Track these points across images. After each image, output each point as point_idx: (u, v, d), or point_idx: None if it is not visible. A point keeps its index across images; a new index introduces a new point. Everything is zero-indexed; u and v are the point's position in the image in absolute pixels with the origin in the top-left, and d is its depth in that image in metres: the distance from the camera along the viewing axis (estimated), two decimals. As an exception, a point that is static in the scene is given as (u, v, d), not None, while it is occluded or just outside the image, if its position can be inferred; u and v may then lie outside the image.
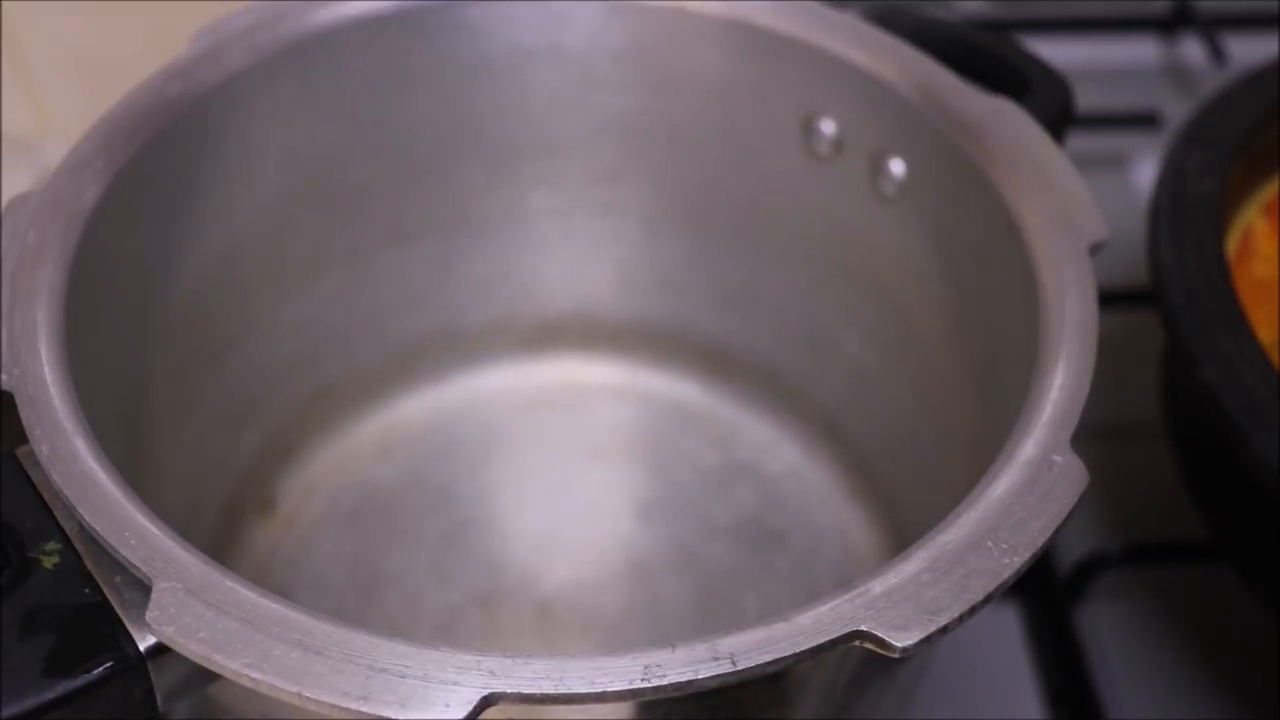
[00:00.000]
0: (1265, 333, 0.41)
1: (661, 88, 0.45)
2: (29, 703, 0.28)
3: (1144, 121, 0.61)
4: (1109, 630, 0.46)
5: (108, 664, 0.29)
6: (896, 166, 0.42)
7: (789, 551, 0.47)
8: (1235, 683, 0.45)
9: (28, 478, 0.32)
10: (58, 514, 0.31)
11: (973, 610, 0.29)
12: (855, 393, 0.47)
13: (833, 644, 0.28)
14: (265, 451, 0.47)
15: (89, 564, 0.31)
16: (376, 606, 0.45)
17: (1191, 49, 0.66)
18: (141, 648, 0.29)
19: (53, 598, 0.30)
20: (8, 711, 0.28)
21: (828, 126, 0.43)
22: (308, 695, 0.27)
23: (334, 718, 0.27)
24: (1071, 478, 0.31)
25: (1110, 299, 0.37)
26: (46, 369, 0.32)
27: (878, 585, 0.29)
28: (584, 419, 0.51)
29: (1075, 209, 0.37)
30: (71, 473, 0.31)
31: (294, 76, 0.42)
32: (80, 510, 0.30)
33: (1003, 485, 0.31)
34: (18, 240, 0.35)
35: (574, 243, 0.49)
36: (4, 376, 0.32)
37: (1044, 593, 0.47)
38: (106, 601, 0.30)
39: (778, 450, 0.50)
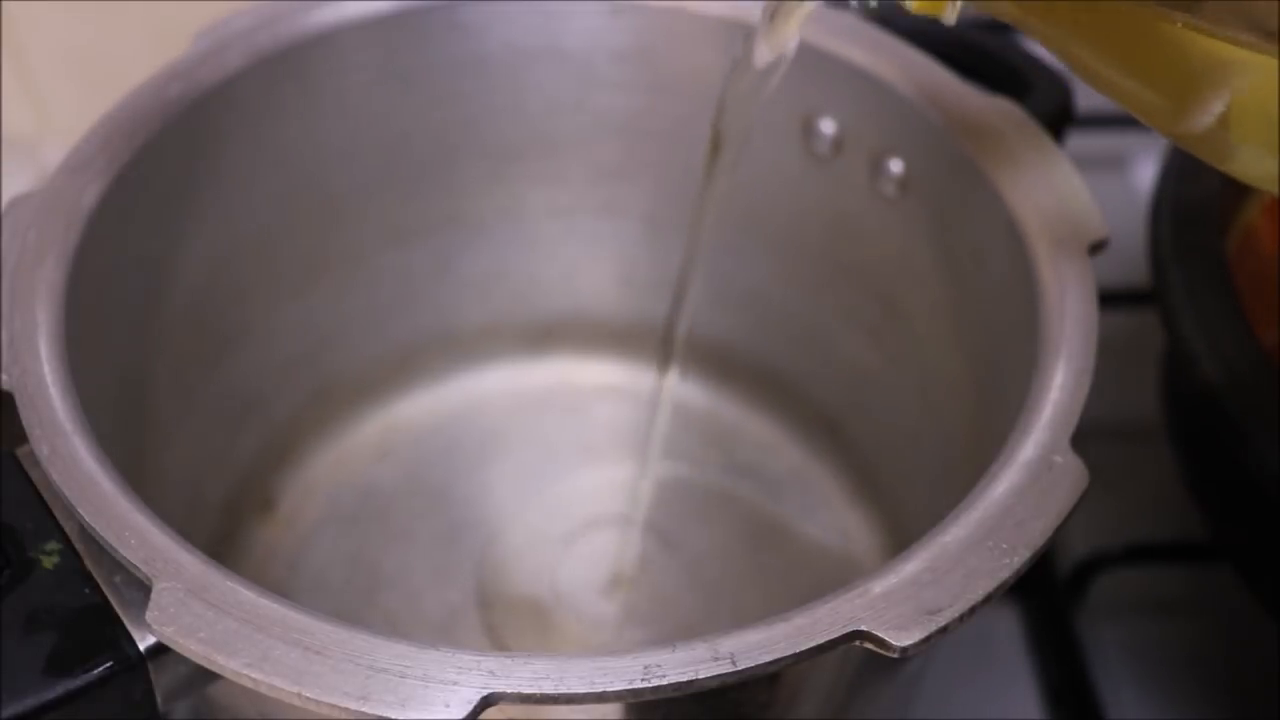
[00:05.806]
0: (1265, 333, 0.40)
1: (661, 88, 0.45)
2: (29, 703, 0.28)
3: (1144, 121, 0.61)
4: (1109, 630, 0.46)
5: (108, 664, 0.29)
6: (896, 166, 0.42)
7: (789, 551, 0.47)
8: (1235, 683, 0.45)
9: (28, 478, 0.32)
10: (58, 514, 0.31)
11: (973, 610, 0.29)
12: (856, 393, 0.47)
13: (833, 644, 0.28)
14: (265, 451, 0.47)
15: (89, 564, 0.31)
16: (376, 606, 0.45)
17: (1191, 49, 0.66)
18: (141, 648, 0.30)
19: (53, 598, 0.30)
20: (8, 711, 0.28)
21: (828, 126, 0.43)
22: (308, 695, 0.27)
23: (334, 718, 0.27)
24: (1071, 478, 0.31)
25: (1110, 299, 0.37)
26: (46, 369, 0.32)
27: (878, 585, 0.29)
28: (583, 419, 0.51)
29: (1075, 209, 0.37)
30: (71, 473, 0.31)
31: (294, 76, 0.42)
32: (80, 510, 0.30)
33: (1003, 485, 0.31)
34: (18, 240, 0.35)
35: (574, 242, 0.49)
36: (4, 376, 0.32)
37: (1044, 593, 0.47)
38: (106, 601, 0.30)
39: (778, 451, 0.50)
